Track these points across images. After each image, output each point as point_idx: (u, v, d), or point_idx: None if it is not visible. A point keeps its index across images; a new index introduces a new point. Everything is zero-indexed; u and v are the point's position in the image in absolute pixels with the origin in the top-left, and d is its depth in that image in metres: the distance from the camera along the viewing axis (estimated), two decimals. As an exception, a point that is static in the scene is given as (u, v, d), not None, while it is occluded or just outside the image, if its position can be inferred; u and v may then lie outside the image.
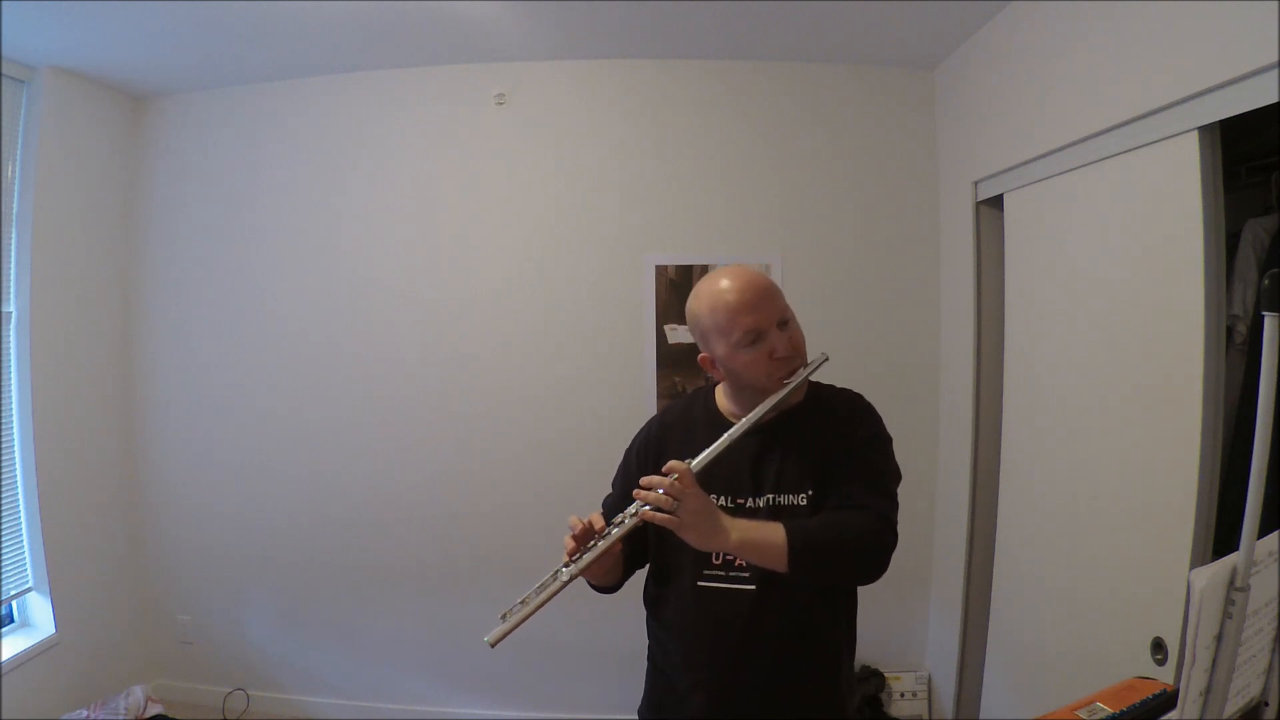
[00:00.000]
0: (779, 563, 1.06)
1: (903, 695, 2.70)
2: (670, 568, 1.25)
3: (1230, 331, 1.66)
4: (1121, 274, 1.70)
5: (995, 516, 2.31)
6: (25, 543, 2.57)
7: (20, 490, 2.55)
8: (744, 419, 1.14)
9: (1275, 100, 1.26)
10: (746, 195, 2.75)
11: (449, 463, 2.82)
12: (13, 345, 2.54)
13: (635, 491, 1.08)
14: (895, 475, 1.20)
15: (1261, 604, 0.84)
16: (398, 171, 2.83)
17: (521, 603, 1.07)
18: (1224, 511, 1.45)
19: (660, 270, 2.74)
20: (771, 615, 1.17)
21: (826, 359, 1.22)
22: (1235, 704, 0.83)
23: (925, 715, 2.71)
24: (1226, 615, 0.79)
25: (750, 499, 1.18)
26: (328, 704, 2.91)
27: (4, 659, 2.36)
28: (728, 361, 1.19)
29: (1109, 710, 1.07)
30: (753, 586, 1.17)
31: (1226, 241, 1.52)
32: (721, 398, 1.28)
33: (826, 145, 2.74)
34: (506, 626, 1.05)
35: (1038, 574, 2.05)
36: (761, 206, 2.75)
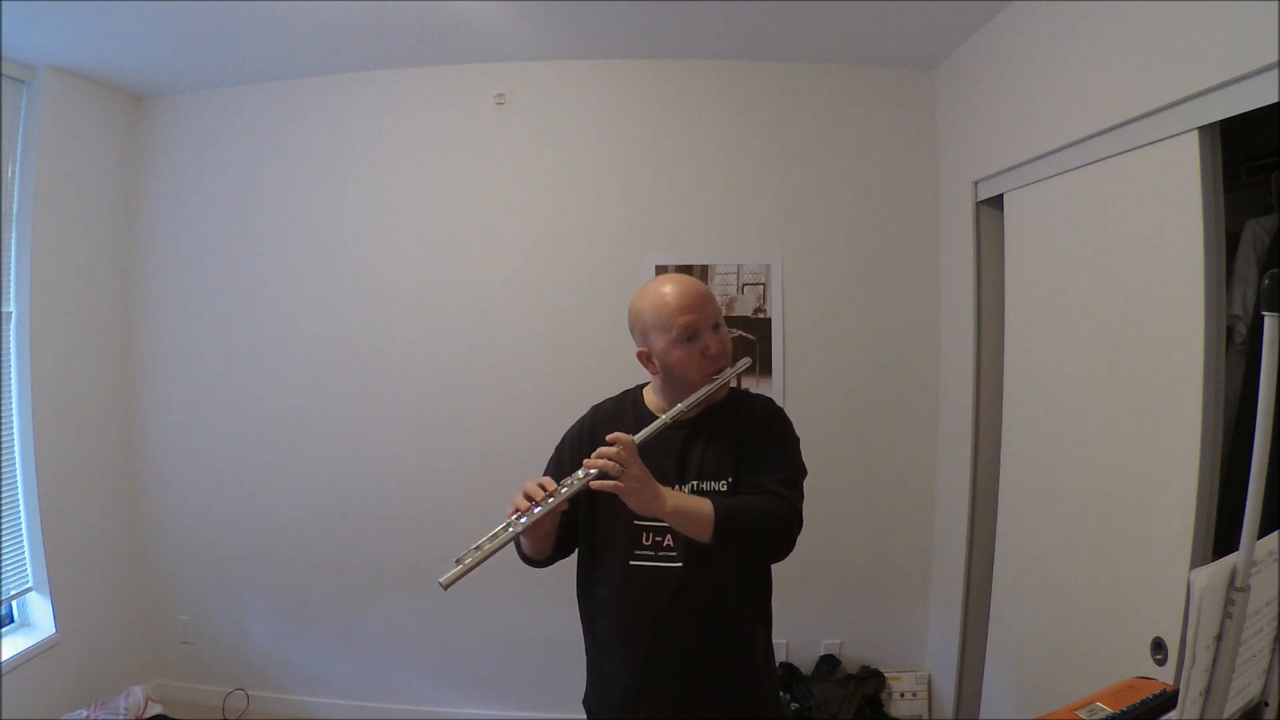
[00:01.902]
0: (704, 533, 1.17)
1: (903, 695, 2.70)
2: (602, 550, 1.36)
3: (1230, 331, 1.66)
4: (1121, 274, 1.70)
5: (995, 516, 2.31)
6: (25, 543, 2.57)
7: (20, 490, 2.55)
8: (679, 404, 1.28)
9: (1275, 100, 1.26)
10: (746, 195, 2.76)
11: (450, 462, 2.82)
12: (13, 345, 2.54)
13: (585, 461, 1.18)
14: (802, 471, 1.34)
15: (1261, 604, 0.84)
16: (398, 171, 2.83)
17: (476, 549, 1.14)
18: (1224, 511, 1.45)
19: (660, 270, 2.75)
20: (694, 592, 1.29)
21: (750, 362, 1.39)
22: (1235, 704, 0.83)
23: (925, 715, 2.71)
24: (1226, 615, 0.79)
25: (676, 485, 1.30)
26: (328, 704, 2.91)
27: (4, 659, 2.36)
28: (664, 356, 1.32)
29: (1109, 710, 1.07)
30: (680, 565, 1.29)
31: (1226, 241, 1.52)
32: (650, 395, 1.42)
33: (826, 145, 2.74)
34: (460, 570, 1.11)
35: (1037, 574, 2.05)
36: (761, 206, 2.75)
